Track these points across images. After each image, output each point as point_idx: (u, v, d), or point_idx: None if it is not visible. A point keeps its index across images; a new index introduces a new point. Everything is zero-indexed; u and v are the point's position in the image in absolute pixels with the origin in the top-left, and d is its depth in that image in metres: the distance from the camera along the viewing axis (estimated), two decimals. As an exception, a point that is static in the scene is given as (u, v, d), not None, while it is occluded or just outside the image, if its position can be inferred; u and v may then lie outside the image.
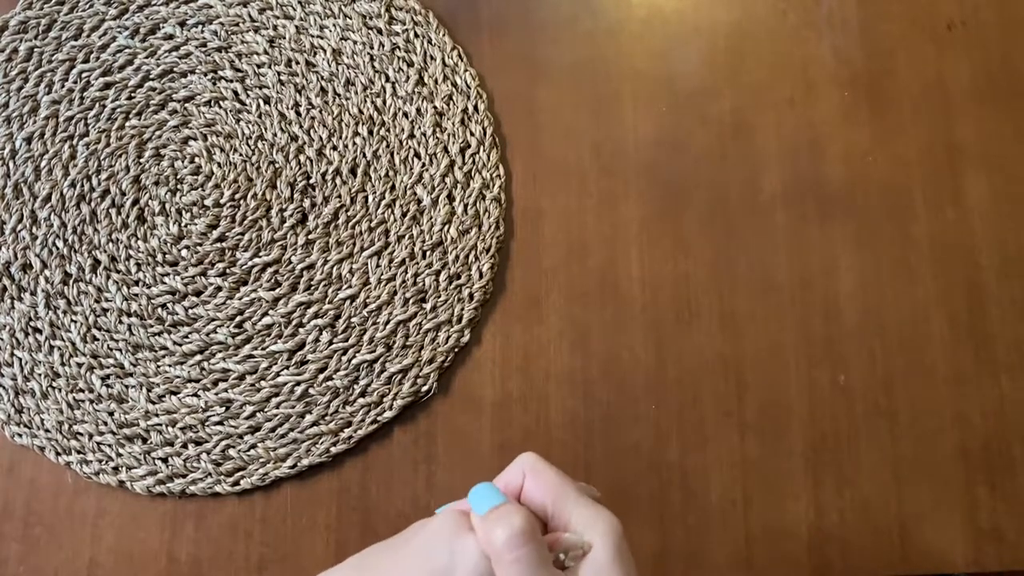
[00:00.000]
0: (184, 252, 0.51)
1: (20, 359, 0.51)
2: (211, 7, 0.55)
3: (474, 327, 0.51)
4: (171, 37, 0.55)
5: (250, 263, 0.51)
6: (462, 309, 0.50)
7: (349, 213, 0.52)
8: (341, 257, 0.51)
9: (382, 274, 0.51)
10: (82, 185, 0.53)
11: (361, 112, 0.53)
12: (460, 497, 0.48)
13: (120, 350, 0.50)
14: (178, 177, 0.53)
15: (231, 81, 0.54)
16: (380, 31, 0.54)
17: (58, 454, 0.50)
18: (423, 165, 0.52)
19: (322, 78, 0.54)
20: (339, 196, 0.52)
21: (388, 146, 0.52)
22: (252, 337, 0.50)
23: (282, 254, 0.51)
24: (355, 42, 0.54)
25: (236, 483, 0.49)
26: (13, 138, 0.54)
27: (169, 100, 0.54)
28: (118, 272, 0.51)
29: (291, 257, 0.51)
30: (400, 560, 0.29)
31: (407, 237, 0.51)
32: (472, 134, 0.53)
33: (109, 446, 0.49)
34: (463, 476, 0.49)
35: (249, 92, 0.54)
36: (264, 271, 0.51)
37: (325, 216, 0.51)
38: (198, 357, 0.50)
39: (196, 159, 0.53)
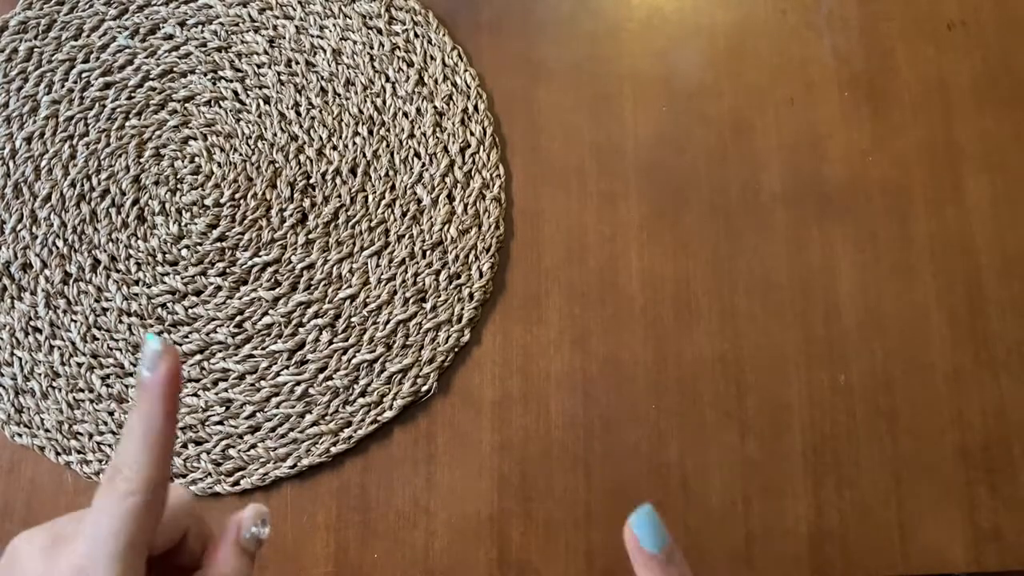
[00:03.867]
0: (184, 252, 0.51)
1: (20, 359, 0.51)
2: (211, 7, 0.55)
3: (474, 327, 0.51)
4: (171, 37, 0.55)
5: (250, 263, 0.51)
6: (462, 309, 0.50)
7: (349, 213, 0.52)
8: (341, 257, 0.51)
9: (382, 274, 0.51)
10: (82, 185, 0.53)
11: (361, 112, 0.53)
12: (457, 496, 0.48)
13: (120, 350, 0.50)
14: (178, 177, 0.53)
15: (231, 81, 0.54)
16: (380, 31, 0.54)
17: (58, 454, 0.50)
18: (423, 165, 0.52)
19: (322, 78, 0.54)
20: (339, 196, 0.52)
21: (388, 146, 0.52)
22: (252, 337, 0.50)
23: (282, 254, 0.51)
24: (355, 42, 0.54)
25: (236, 483, 0.49)
26: (13, 138, 0.54)
27: (169, 100, 0.54)
28: (118, 272, 0.51)
29: (291, 257, 0.51)
30: None
31: (407, 237, 0.51)
32: (472, 134, 0.53)
33: (109, 446, 0.49)
34: (463, 476, 0.49)
35: (249, 92, 0.54)
36: (264, 271, 0.51)
37: (325, 216, 0.51)
38: (198, 357, 0.50)
39: (196, 159, 0.53)
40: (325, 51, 0.54)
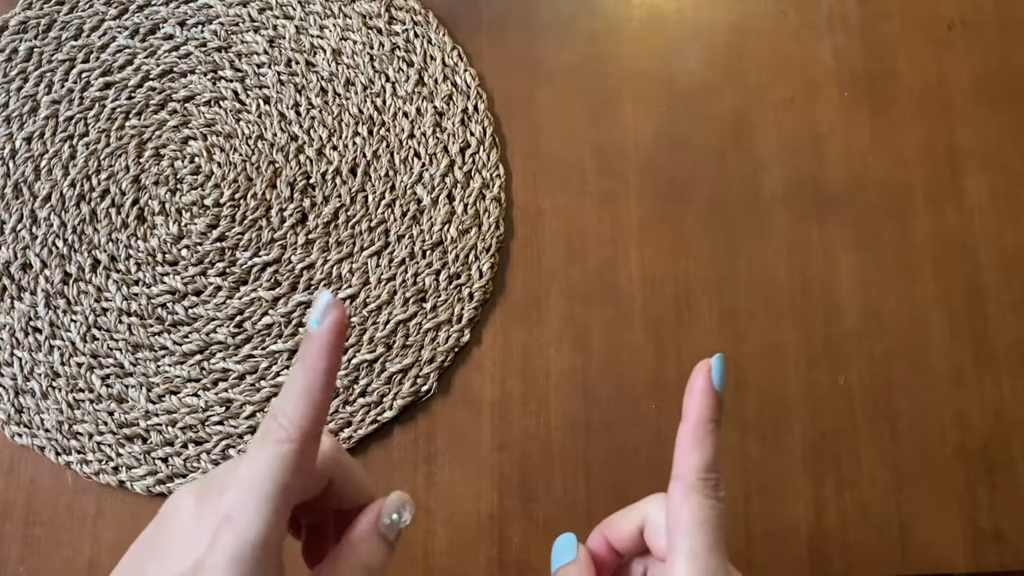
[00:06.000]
0: (184, 252, 0.51)
1: (20, 359, 0.51)
2: (211, 7, 0.55)
3: (474, 327, 0.51)
4: (171, 37, 0.55)
5: (250, 263, 0.51)
6: (462, 309, 0.50)
7: (349, 213, 0.52)
8: (341, 257, 0.51)
9: (382, 274, 0.51)
10: (82, 185, 0.53)
11: (361, 112, 0.53)
12: (457, 496, 0.48)
13: (120, 350, 0.50)
14: (178, 177, 0.53)
15: (231, 81, 0.54)
16: (380, 31, 0.54)
17: (58, 454, 0.50)
18: (423, 165, 0.52)
19: (322, 78, 0.54)
20: (339, 196, 0.52)
21: (388, 146, 0.52)
22: (252, 337, 0.50)
23: (282, 254, 0.51)
24: (355, 42, 0.54)
25: (236, 483, 0.49)
26: (13, 138, 0.54)
27: (169, 100, 0.54)
28: (118, 272, 0.51)
29: (291, 257, 0.51)
30: (153, 557, 0.25)
31: (407, 237, 0.51)
32: (472, 134, 0.53)
33: (109, 446, 0.49)
34: (463, 476, 0.49)
35: (249, 92, 0.54)
36: (264, 271, 0.51)
37: (325, 216, 0.51)
38: (198, 357, 0.50)
39: (196, 159, 0.53)
40: (325, 51, 0.54)
